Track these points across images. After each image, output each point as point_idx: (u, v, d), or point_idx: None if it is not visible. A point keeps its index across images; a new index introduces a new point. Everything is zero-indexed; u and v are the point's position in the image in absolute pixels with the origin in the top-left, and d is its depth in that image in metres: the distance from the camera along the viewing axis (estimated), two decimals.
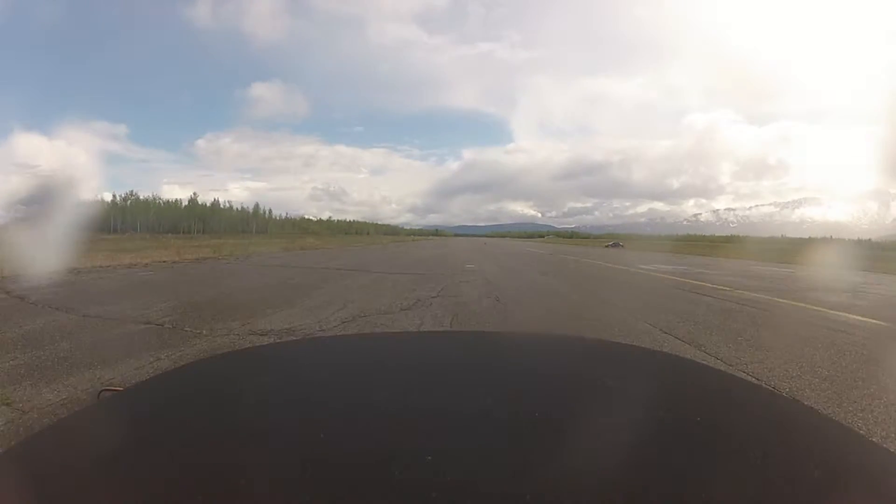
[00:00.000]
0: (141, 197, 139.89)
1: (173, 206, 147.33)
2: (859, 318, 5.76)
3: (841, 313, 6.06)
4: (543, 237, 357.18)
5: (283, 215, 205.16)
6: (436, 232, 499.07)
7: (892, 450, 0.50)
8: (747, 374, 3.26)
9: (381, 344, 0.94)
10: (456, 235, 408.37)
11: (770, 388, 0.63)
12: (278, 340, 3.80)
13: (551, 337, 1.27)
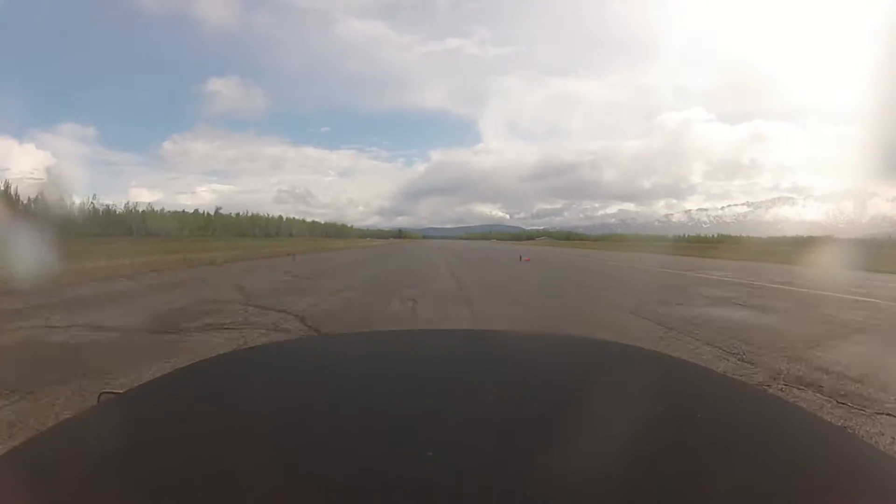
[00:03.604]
0: None
1: None
2: None
3: None
4: (533, 238, 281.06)
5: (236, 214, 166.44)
6: (399, 233, 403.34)
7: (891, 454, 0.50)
8: None
9: (382, 342, 0.93)
10: (424, 237, 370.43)
11: (772, 393, 0.66)
12: (277, 341, 3.64)
13: (552, 337, 1.28)
